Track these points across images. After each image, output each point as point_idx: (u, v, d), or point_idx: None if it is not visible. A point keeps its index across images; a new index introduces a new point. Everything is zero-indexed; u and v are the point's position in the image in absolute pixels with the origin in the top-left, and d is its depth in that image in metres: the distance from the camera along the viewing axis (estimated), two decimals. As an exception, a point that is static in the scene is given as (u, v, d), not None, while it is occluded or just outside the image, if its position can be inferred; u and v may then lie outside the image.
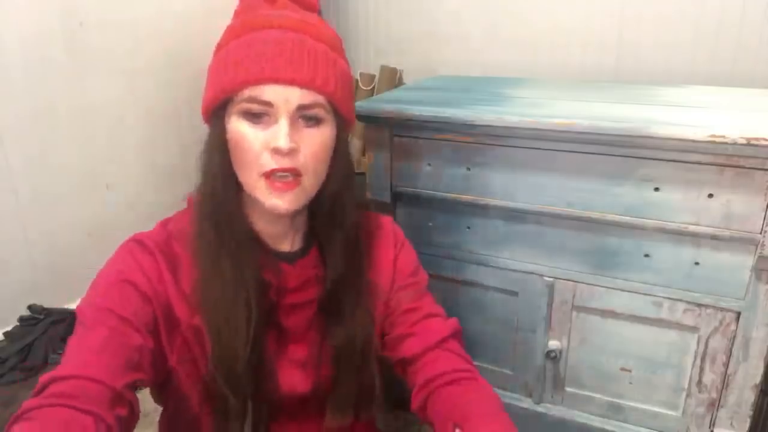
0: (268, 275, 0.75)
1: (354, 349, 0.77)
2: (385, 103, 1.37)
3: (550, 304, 1.32)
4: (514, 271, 1.33)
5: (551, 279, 1.30)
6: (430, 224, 1.39)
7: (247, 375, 0.71)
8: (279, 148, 0.67)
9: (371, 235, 0.84)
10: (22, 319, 1.99)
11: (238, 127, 0.69)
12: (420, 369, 0.81)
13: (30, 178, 1.95)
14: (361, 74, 2.34)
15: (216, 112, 0.71)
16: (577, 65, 1.96)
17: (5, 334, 1.96)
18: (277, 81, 0.66)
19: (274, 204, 0.70)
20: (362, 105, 1.37)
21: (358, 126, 2.33)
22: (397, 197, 1.40)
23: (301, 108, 0.68)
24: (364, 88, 2.33)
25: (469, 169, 1.30)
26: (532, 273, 1.31)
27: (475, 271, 1.37)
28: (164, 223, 0.77)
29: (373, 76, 2.33)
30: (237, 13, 0.75)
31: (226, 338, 0.70)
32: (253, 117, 0.68)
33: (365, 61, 2.41)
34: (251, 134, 0.68)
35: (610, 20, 1.90)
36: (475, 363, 1.46)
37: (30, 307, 2.02)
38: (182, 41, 2.14)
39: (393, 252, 0.86)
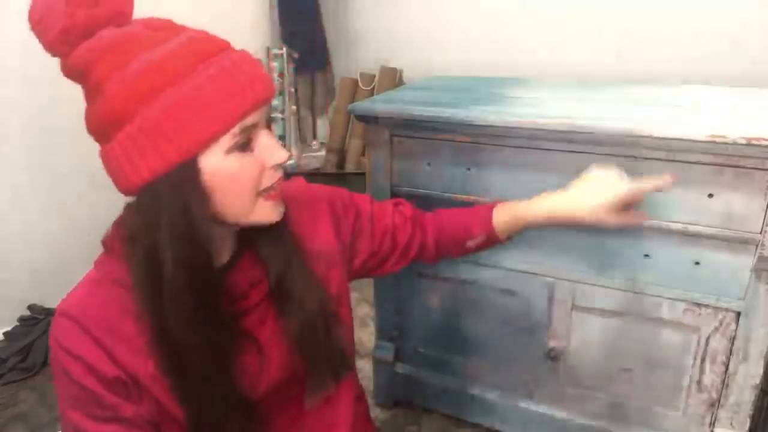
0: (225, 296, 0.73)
1: (314, 325, 0.76)
2: (385, 103, 1.37)
3: (550, 304, 1.32)
4: (514, 271, 1.33)
5: (551, 279, 1.30)
6: (430, 224, 1.39)
7: (227, 401, 0.70)
8: (282, 162, 0.66)
9: (293, 208, 0.80)
10: (22, 319, 1.99)
11: (228, 164, 0.63)
12: (413, 239, 0.99)
13: (30, 178, 1.96)
14: (361, 74, 2.35)
15: (184, 165, 0.62)
16: (577, 65, 1.96)
17: (5, 334, 1.96)
18: (259, 104, 0.64)
19: (276, 215, 0.70)
20: (362, 105, 1.37)
21: (358, 126, 2.33)
22: (397, 197, 1.40)
23: (267, 114, 0.68)
24: (364, 88, 2.33)
25: (469, 169, 1.30)
26: (532, 273, 1.31)
27: (475, 271, 1.37)
28: (97, 271, 0.72)
29: (373, 76, 2.33)
30: (131, 53, 0.61)
31: (201, 381, 0.68)
32: (243, 147, 0.64)
33: (365, 61, 2.41)
34: (246, 163, 0.65)
35: (610, 20, 1.90)
36: (476, 363, 1.47)
37: (30, 307, 2.02)
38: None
39: (321, 211, 0.86)
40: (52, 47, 0.64)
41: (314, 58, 2.44)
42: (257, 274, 0.74)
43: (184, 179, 0.62)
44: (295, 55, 2.38)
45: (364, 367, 1.66)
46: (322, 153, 2.48)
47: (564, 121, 1.15)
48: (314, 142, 2.56)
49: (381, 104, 1.35)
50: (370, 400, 1.52)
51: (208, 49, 0.63)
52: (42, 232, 2.01)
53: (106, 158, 0.64)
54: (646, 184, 0.97)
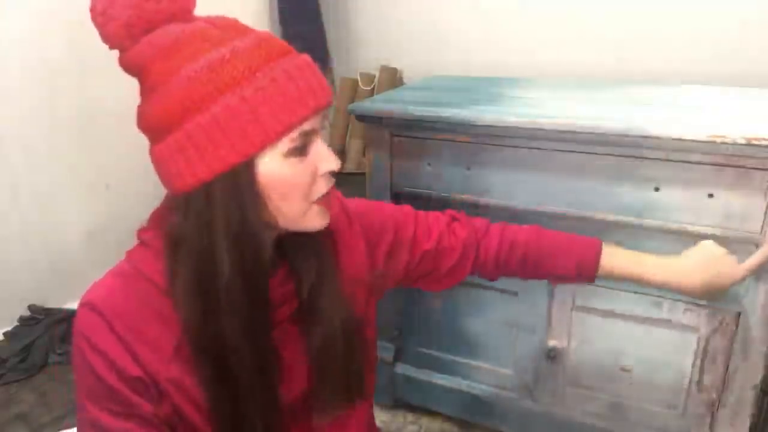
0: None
1: (335, 340, 0.75)
2: (385, 103, 1.37)
3: (550, 304, 1.32)
4: (514, 271, 1.33)
5: (551, 279, 1.30)
6: (430, 224, 1.39)
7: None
8: (335, 170, 0.66)
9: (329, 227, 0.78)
10: (22, 319, 1.99)
11: (284, 169, 0.63)
12: (464, 262, 0.91)
13: (30, 178, 1.96)
14: (361, 74, 2.34)
15: (242, 166, 0.62)
16: (576, 65, 1.96)
17: (5, 334, 1.96)
18: (319, 109, 0.64)
19: (324, 221, 0.70)
20: (362, 105, 1.37)
21: (358, 126, 2.33)
22: (397, 197, 1.40)
23: (322, 120, 0.68)
24: (364, 88, 2.33)
25: (469, 169, 1.30)
26: (532, 273, 1.31)
27: (475, 271, 1.37)
28: (125, 264, 0.70)
29: (373, 76, 2.33)
30: (194, 51, 0.61)
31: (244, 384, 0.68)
32: (299, 152, 0.64)
33: (365, 61, 2.40)
34: (301, 169, 0.64)
35: (610, 20, 1.90)
36: (476, 363, 1.47)
37: (30, 307, 2.02)
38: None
39: (353, 229, 0.83)
40: (112, 39, 0.63)
41: (314, 58, 2.44)
42: (288, 291, 0.73)
43: (241, 181, 0.62)
44: (295, 55, 2.38)
45: (364, 367, 1.66)
46: (322, 153, 2.48)
47: (564, 121, 1.15)
48: (314, 142, 2.57)
49: (381, 104, 1.36)
50: (370, 400, 1.53)
51: (272, 51, 0.63)
52: (42, 232, 2.01)
53: (160, 156, 0.63)
54: (762, 254, 0.95)
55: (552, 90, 1.53)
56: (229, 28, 0.64)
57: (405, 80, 2.31)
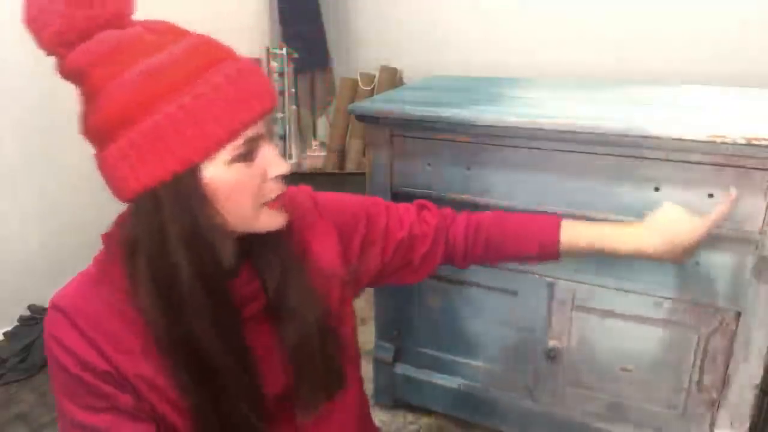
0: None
1: (310, 338, 0.75)
2: (385, 103, 1.37)
3: (550, 304, 1.32)
4: (514, 271, 1.33)
5: (551, 279, 1.30)
6: (430, 224, 1.39)
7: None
8: (284, 174, 0.66)
9: (296, 219, 0.77)
10: (22, 319, 2.00)
11: (230, 175, 0.63)
12: (436, 248, 0.93)
13: (30, 178, 1.96)
14: (361, 74, 2.34)
15: (186, 173, 0.61)
16: (576, 65, 1.96)
17: (5, 334, 1.96)
18: (263, 114, 0.64)
19: (279, 222, 0.69)
20: (362, 105, 1.37)
21: (358, 126, 2.33)
22: (396, 197, 1.40)
23: (269, 124, 0.67)
24: (364, 88, 2.33)
25: (469, 169, 1.30)
26: (532, 273, 1.31)
27: (475, 271, 1.37)
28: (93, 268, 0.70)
29: (373, 76, 2.33)
30: (132, 57, 0.60)
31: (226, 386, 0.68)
32: (245, 157, 0.63)
33: (365, 61, 2.41)
34: (248, 174, 0.64)
35: (610, 20, 1.90)
36: (475, 362, 1.47)
37: (30, 307, 2.02)
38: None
39: (324, 224, 0.83)
40: (47, 46, 0.62)
41: (314, 58, 2.44)
42: (255, 288, 0.73)
43: (187, 187, 0.61)
44: (295, 55, 2.38)
45: (364, 367, 1.66)
46: (323, 153, 2.48)
47: (564, 121, 1.15)
48: (314, 142, 2.57)
49: (381, 104, 1.35)
50: (370, 400, 1.52)
51: (213, 56, 0.62)
52: (41, 232, 2.01)
53: (104, 163, 0.63)
54: (719, 212, 0.95)
55: (552, 90, 1.53)
56: (166, 32, 0.63)
57: (405, 80, 2.31)
